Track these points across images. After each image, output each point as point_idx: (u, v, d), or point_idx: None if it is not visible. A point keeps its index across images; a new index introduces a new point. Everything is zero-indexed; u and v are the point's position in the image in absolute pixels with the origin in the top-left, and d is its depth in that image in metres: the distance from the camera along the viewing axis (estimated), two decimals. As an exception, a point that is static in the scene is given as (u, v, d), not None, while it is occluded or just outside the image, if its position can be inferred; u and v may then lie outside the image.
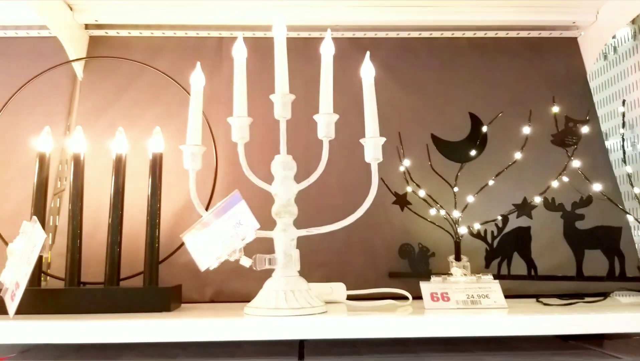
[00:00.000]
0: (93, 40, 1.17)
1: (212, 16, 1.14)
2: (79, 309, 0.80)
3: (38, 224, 0.73)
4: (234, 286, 0.98)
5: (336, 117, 0.81)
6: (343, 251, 1.02)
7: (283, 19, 0.84)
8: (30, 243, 0.72)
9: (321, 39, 0.82)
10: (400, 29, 1.19)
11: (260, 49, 1.09)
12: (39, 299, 0.80)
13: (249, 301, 0.90)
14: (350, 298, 0.90)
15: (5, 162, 1.07)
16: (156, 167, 0.89)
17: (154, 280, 0.85)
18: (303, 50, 1.13)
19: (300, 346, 0.90)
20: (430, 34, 1.20)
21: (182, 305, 0.90)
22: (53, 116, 1.10)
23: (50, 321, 0.69)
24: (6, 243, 0.91)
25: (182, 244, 0.93)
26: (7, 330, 0.68)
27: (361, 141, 0.81)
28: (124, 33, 1.17)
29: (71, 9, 1.09)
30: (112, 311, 0.80)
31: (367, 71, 0.82)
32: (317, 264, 1.00)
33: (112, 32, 1.17)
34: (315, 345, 0.89)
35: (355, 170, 1.07)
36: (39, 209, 0.85)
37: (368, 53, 0.84)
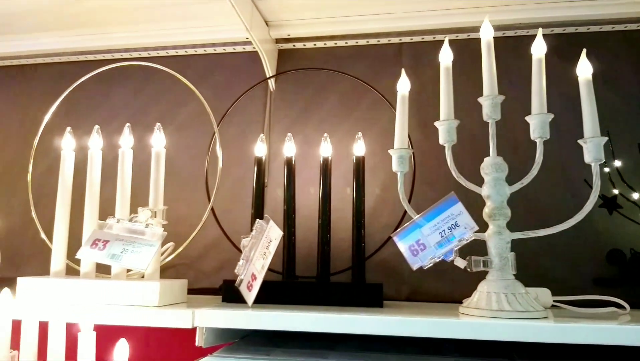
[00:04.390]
0: (282, 53, 1.26)
1: (394, 23, 1.18)
2: (295, 300, 0.87)
3: (272, 222, 0.81)
4: (430, 286, 1.00)
5: (551, 116, 0.79)
6: (541, 255, 0.99)
7: (488, 20, 0.85)
8: (265, 239, 0.80)
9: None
10: (591, 23, 1.13)
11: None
12: (263, 290, 0.88)
13: (445, 302, 0.91)
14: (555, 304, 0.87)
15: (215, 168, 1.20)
16: (359, 170, 0.94)
17: (361, 276, 0.90)
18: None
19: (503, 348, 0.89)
20: (625, 27, 1.12)
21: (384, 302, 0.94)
22: (251, 125, 1.21)
23: (290, 312, 0.75)
24: (230, 241, 1.02)
25: (385, 242, 0.98)
26: (240, 317, 0.76)
27: (580, 141, 0.78)
28: (309, 45, 1.25)
29: (267, 25, 1.19)
30: (325, 303, 0.86)
31: (584, 68, 0.79)
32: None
33: (299, 45, 1.25)
34: (520, 348, 0.87)
35: (548, 170, 1.03)
36: (258, 208, 0.94)
37: (585, 51, 0.80)
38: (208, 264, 1.12)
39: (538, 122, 0.79)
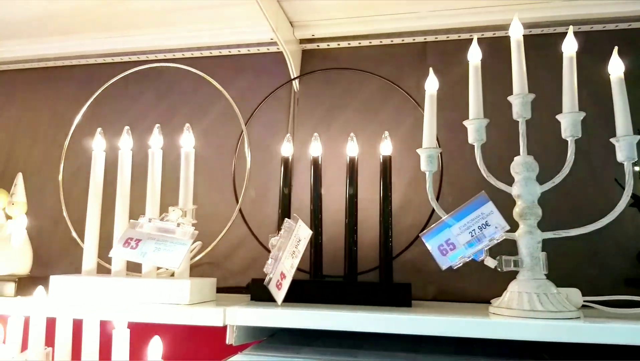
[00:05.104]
0: (305, 54, 1.26)
1: (418, 22, 1.17)
2: (323, 299, 0.87)
3: (301, 222, 0.81)
4: (457, 286, 1.00)
5: (582, 115, 0.78)
6: (569, 255, 0.98)
7: (517, 18, 0.84)
8: (294, 238, 0.81)
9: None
10: (619, 20, 1.11)
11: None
12: (290, 289, 0.88)
13: (472, 302, 0.91)
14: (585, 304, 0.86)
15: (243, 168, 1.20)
16: (386, 170, 0.94)
17: (389, 276, 0.90)
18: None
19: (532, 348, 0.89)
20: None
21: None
22: (275, 126, 1.22)
23: (320, 311, 0.75)
24: (258, 240, 1.02)
25: (412, 242, 0.98)
26: (271, 315, 0.77)
27: (612, 140, 0.77)
28: (333, 45, 1.25)
29: (292, 25, 1.20)
30: (353, 303, 0.86)
31: (616, 66, 0.79)
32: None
33: (322, 45, 1.25)
34: (549, 348, 0.87)
35: (577, 169, 1.02)
36: (285, 208, 0.94)
37: (616, 48, 0.80)
38: (234, 263, 1.13)
39: (570, 121, 0.78)
